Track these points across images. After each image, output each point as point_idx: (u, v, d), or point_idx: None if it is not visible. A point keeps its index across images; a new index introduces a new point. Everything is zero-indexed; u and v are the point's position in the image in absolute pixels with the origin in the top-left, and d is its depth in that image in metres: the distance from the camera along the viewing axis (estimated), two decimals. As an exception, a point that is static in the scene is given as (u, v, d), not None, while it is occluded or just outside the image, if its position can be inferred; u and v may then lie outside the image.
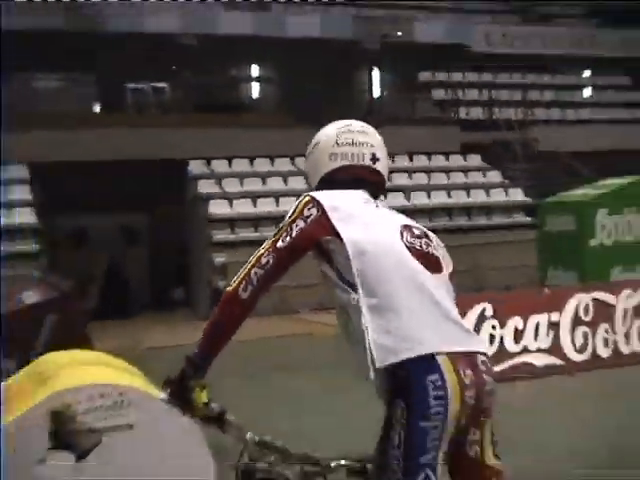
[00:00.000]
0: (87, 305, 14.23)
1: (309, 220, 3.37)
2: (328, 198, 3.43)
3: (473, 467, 3.34)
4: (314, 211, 3.39)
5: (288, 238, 3.37)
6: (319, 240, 3.36)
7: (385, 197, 3.96)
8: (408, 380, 3.14)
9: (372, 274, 3.29)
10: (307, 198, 3.43)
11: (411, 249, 3.38)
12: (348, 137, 3.66)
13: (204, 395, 3.57)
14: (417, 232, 3.49)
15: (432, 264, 3.40)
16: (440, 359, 3.16)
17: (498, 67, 27.35)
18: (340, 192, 3.53)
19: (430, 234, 3.55)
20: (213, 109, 22.48)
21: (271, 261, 3.39)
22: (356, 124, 3.73)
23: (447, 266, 3.52)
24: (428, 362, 3.14)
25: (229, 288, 3.51)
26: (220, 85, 25.21)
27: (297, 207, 3.41)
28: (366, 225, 3.39)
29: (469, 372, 3.19)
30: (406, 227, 3.49)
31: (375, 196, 3.63)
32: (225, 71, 26.19)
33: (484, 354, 3.32)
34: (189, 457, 5.11)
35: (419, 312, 3.26)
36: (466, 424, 3.24)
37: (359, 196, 3.53)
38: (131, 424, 4.90)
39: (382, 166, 3.66)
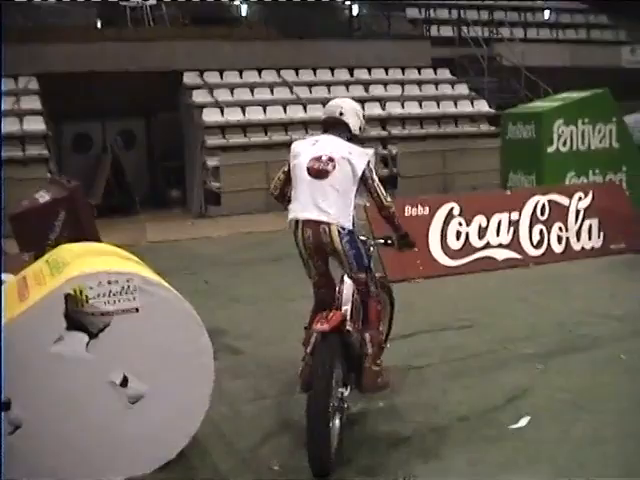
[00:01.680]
0: (94, 202, 14.16)
1: (289, 158, 5.86)
2: (294, 143, 5.97)
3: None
4: (290, 152, 5.88)
5: (285, 167, 5.91)
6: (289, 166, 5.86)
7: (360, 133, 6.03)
8: (292, 229, 5.68)
9: (294, 180, 5.74)
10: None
11: (309, 168, 5.64)
12: (331, 103, 6.11)
13: None
14: (322, 158, 5.64)
15: (319, 175, 5.60)
16: (299, 221, 5.59)
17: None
18: (309, 137, 6.28)
19: (336, 159, 5.61)
20: (206, 25, 22.09)
21: (280, 177, 5.96)
22: (339, 99, 6.22)
23: (340, 175, 5.57)
24: (295, 221, 5.63)
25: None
26: (212, 2, 24.65)
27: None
28: (300, 156, 5.74)
29: (309, 228, 5.54)
30: (315, 156, 5.67)
31: (350, 136, 5.87)
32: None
33: (326, 222, 5.49)
34: (189, 338, 5.18)
35: (300, 199, 5.63)
36: (325, 255, 5.67)
37: (312, 139, 5.96)
38: (137, 307, 4.96)
39: (346, 117, 5.91)
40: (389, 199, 5.79)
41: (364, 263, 5.69)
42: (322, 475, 4.93)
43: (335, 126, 5.91)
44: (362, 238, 5.88)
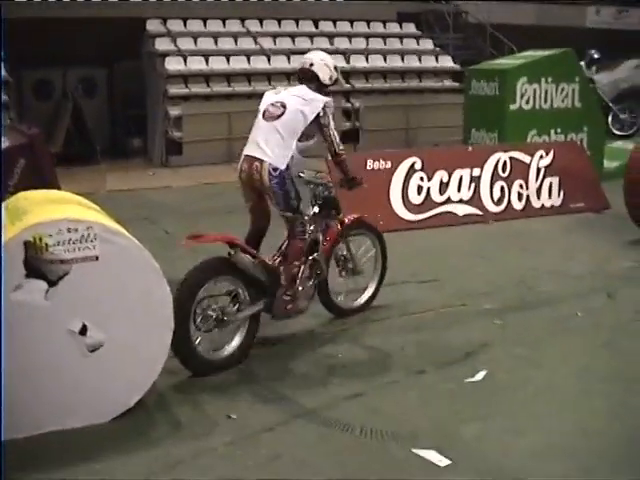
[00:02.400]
0: (53, 150, 14.00)
1: None
2: (265, 93, 6.61)
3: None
4: None
5: None
6: None
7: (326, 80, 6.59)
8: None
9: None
10: None
11: (264, 111, 6.31)
12: (305, 56, 6.69)
13: None
14: (276, 103, 6.28)
15: (269, 118, 6.23)
16: (242, 155, 6.28)
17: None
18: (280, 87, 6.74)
19: (287, 104, 6.23)
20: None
21: None
22: (313, 52, 6.80)
23: (288, 120, 6.16)
24: (242, 155, 6.31)
25: None
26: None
27: None
28: (263, 103, 6.43)
29: (246, 163, 6.21)
30: (272, 102, 6.32)
31: (320, 86, 6.46)
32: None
33: (260, 159, 6.10)
34: (149, 287, 5.17)
35: (250, 138, 6.30)
36: (256, 189, 6.25)
37: (280, 89, 6.58)
38: (97, 256, 4.94)
39: (316, 68, 6.48)
40: (341, 148, 6.43)
41: (292, 204, 6.21)
42: (193, 373, 5.79)
43: (306, 77, 6.51)
44: (318, 181, 6.71)
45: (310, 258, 6.54)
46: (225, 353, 6.02)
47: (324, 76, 6.50)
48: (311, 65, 6.52)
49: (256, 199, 6.37)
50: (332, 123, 6.33)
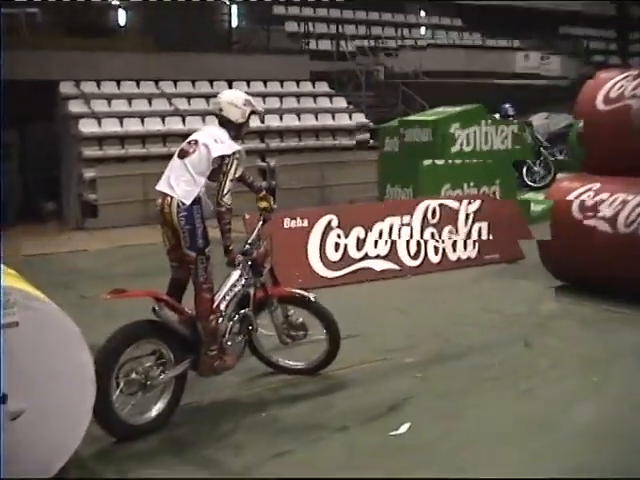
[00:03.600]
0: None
1: None
2: None
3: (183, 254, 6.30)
4: None
5: None
6: None
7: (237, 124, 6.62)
8: None
9: None
10: None
11: (180, 149, 6.42)
12: (215, 99, 6.73)
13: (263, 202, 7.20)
14: (191, 141, 6.41)
15: (182, 154, 6.33)
16: (157, 190, 6.35)
17: (344, 4, 27.36)
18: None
19: (200, 141, 6.35)
20: (83, 34, 21.75)
21: None
22: (221, 94, 6.75)
23: (196, 158, 6.27)
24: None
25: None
26: (89, 11, 24.28)
27: None
28: (186, 140, 6.54)
29: (160, 198, 6.26)
30: (189, 140, 6.45)
31: (236, 126, 6.54)
32: (93, -1, 25.26)
33: (170, 196, 6.18)
34: (71, 353, 5.13)
35: (164, 173, 6.37)
36: (171, 227, 6.24)
37: (204, 129, 6.80)
38: (17, 322, 4.89)
39: (226, 112, 6.54)
40: (225, 200, 6.22)
41: (197, 243, 6.18)
42: (116, 438, 5.74)
43: (221, 121, 6.58)
44: (252, 237, 6.73)
45: (241, 312, 6.56)
46: (150, 416, 5.96)
47: (235, 117, 6.54)
48: (220, 110, 6.57)
49: (173, 240, 6.36)
50: (232, 174, 6.26)
